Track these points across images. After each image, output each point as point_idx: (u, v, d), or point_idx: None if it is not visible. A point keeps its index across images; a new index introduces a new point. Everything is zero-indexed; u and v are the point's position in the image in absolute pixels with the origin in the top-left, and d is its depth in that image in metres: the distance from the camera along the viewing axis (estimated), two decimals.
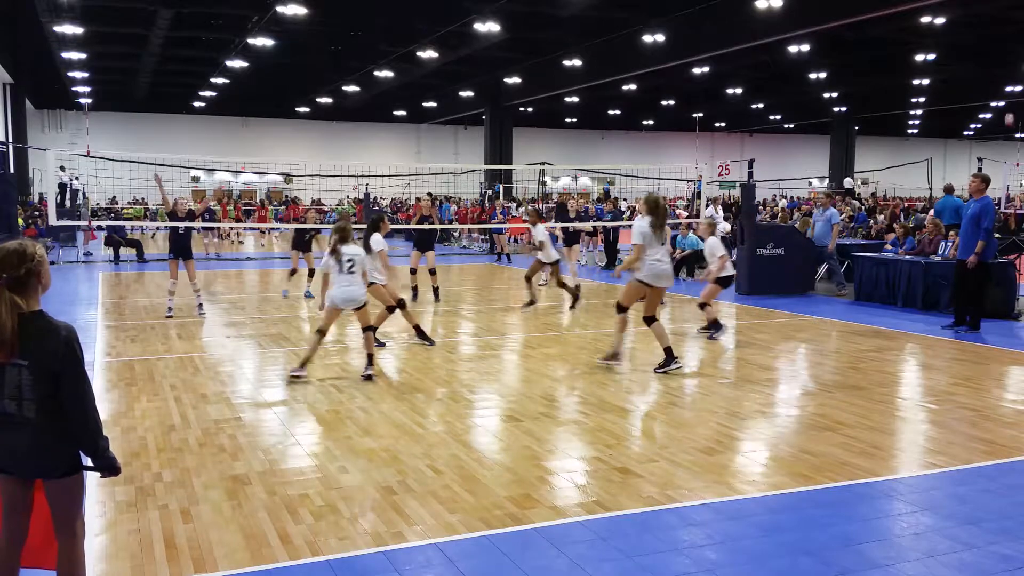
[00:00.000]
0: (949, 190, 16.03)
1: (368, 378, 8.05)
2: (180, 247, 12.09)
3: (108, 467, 3.29)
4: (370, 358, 8.24)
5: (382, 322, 9.46)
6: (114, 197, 35.68)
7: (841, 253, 17.00)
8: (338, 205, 38.02)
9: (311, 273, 14.28)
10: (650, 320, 8.42)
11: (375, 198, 34.52)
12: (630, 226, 9.31)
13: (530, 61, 32.18)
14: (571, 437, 6.28)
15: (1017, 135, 41.85)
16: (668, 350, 8.46)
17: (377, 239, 9.24)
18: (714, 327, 10.47)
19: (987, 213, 10.52)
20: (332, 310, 8.17)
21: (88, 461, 3.29)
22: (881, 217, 24.28)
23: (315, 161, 29.86)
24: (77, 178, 29.24)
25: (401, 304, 9.51)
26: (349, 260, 8.04)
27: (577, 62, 29.24)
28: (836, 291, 14.85)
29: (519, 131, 43.33)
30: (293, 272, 14.81)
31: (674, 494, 5.03)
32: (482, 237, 27.66)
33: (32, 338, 3.12)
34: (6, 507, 3.33)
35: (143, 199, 37.56)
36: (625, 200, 30.08)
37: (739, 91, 39.93)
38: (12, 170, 12.36)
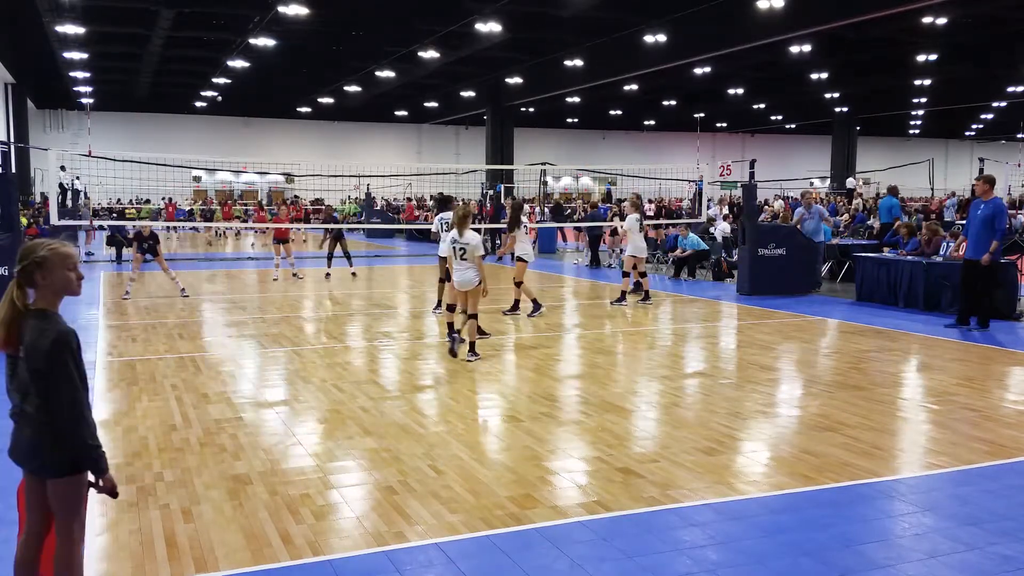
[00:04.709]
0: (892, 191, 18.80)
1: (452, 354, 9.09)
2: None
3: (95, 470, 3.21)
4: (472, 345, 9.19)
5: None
6: (121, 200, 35.69)
7: (843, 253, 17.05)
8: (341, 204, 38.01)
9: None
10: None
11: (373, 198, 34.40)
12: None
13: (531, 61, 32.18)
14: (572, 437, 6.27)
15: (1018, 135, 41.73)
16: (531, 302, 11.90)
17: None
18: None
19: (1000, 214, 10.57)
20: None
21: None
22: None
23: (316, 161, 29.88)
24: (78, 178, 29.25)
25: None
26: (462, 248, 9.12)
27: (578, 62, 29.23)
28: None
29: (520, 131, 43.33)
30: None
31: (675, 494, 5.03)
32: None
33: (25, 333, 3.15)
34: (27, 503, 3.33)
35: (146, 199, 37.60)
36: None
37: (740, 91, 39.94)
38: (14, 170, 12.38)
